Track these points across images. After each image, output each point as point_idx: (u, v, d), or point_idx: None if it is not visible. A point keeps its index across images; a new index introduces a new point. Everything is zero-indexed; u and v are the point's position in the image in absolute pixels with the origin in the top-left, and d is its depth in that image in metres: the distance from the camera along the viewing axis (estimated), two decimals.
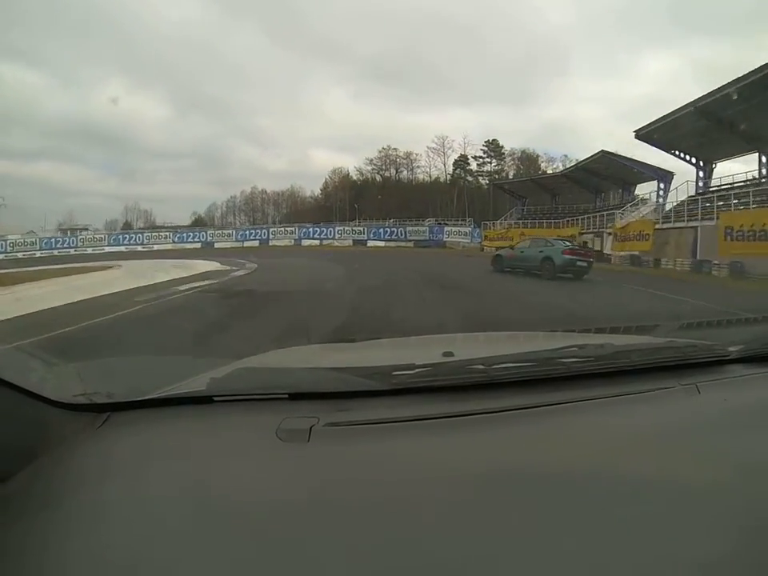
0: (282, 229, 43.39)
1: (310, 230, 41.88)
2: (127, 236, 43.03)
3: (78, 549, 0.58)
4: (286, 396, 0.92)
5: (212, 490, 0.68)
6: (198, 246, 39.65)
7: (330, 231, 41.43)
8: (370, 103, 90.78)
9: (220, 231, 44.44)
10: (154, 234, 43.54)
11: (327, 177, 65.63)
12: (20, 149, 76.62)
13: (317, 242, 39.84)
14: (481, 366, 0.99)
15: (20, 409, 0.77)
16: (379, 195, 55.33)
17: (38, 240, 40.10)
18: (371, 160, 64.27)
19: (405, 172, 63.65)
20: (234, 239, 41.37)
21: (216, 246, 39.28)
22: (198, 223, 58.08)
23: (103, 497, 0.69)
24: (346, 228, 42.63)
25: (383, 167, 63.86)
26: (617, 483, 0.67)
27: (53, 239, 41.43)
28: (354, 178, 64.24)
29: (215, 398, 0.93)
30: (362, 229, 41.84)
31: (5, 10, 68.44)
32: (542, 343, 1.46)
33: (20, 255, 34.85)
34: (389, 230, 40.88)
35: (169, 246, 38.85)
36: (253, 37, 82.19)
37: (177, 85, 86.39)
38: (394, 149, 62.60)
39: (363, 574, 0.53)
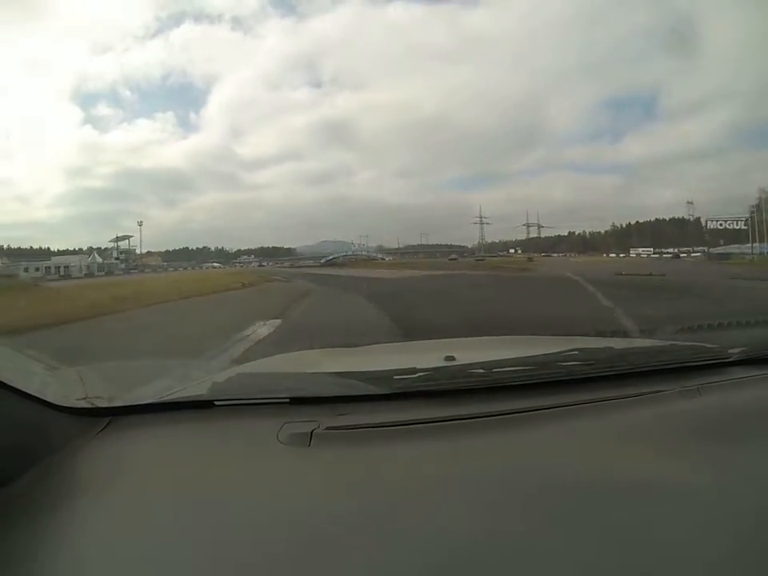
0: None
1: None
2: None
3: (80, 552, 0.58)
4: (287, 400, 0.92)
5: (214, 494, 0.68)
6: None
7: None
8: None
9: None
10: None
11: None
12: None
13: None
14: (482, 370, 0.99)
15: (21, 413, 0.77)
16: None
17: None
18: None
19: None
20: None
21: None
22: None
23: (104, 501, 0.69)
24: None
25: None
26: (618, 485, 0.67)
27: None
28: None
29: (216, 403, 0.93)
30: None
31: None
32: (543, 347, 1.46)
33: None
34: None
35: None
36: None
37: None
38: None
39: None
